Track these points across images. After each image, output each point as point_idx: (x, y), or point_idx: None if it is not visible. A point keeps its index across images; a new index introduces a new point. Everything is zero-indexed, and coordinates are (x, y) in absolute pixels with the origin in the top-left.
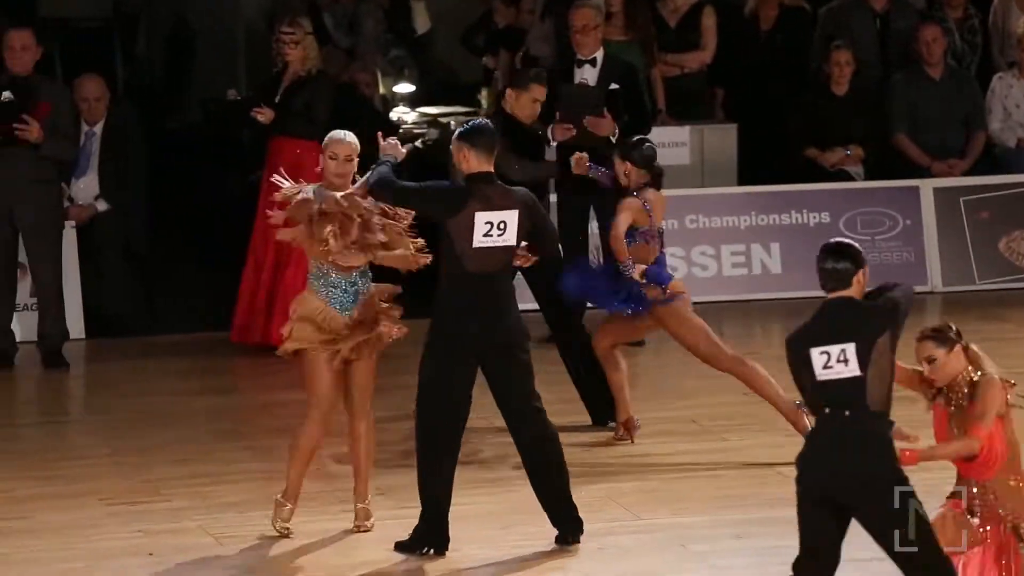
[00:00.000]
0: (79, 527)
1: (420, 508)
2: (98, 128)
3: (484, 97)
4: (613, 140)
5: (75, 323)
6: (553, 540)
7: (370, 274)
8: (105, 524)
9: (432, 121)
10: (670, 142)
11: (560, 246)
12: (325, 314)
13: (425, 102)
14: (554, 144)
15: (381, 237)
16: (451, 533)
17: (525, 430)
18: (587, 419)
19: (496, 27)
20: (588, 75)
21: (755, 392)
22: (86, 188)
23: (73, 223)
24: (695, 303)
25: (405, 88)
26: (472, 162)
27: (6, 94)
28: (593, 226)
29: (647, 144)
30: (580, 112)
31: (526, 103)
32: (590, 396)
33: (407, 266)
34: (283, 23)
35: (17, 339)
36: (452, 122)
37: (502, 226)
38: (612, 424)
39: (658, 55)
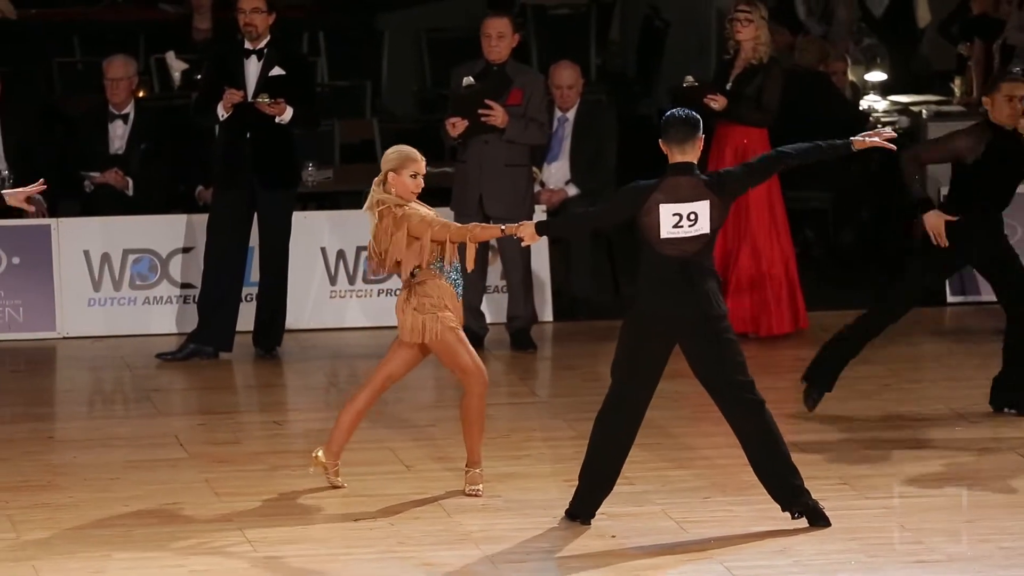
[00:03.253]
0: (541, 507)
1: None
2: (570, 114)
3: (956, 86)
4: None
5: (543, 306)
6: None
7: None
8: (565, 505)
9: (903, 109)
10: None
11: None
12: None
13: (896, 90)
14: None
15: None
16: None
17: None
18: None
19: (972, 15)
20: None
21: None
22: (557, 173)
23: (544, 207)
24: None
25: (877, 76)
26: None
27: (467, 80)
28: None
29: None
30: None
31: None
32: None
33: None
34: (741, 2)
35: (487, 321)
36: (923, 111)
37: (692, 217)
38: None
39: None
